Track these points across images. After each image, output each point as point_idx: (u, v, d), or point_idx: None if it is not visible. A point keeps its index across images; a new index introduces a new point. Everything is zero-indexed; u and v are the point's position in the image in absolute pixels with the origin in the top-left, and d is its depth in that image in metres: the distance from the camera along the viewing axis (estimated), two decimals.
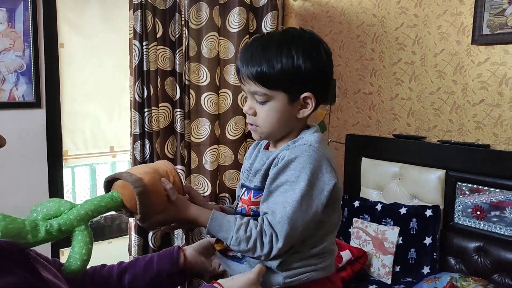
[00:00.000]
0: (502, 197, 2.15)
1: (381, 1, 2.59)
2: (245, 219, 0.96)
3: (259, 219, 0.94)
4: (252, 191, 1.00)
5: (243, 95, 2.73)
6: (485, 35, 2.18)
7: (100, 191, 3.16)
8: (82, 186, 2.80)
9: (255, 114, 0.98)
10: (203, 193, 2.70)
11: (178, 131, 2.54)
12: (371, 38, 2.65)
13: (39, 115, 2.26)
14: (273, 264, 0.96)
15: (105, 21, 2.48)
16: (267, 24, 2.80)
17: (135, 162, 2.42)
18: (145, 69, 2.36)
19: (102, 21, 2.47)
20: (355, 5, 2.72)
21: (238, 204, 1.06)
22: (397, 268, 2.31)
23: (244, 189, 1.05)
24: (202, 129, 2.67)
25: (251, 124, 1.00)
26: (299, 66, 0.92)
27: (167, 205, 0.96)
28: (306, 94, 0.95)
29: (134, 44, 2.33)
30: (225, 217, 0.96)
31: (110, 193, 0.94)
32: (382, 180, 2.55)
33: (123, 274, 1.04)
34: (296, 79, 0.94)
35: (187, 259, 1.10)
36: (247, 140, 2.91)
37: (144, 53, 2.34)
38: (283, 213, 0.90)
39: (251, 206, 1.00)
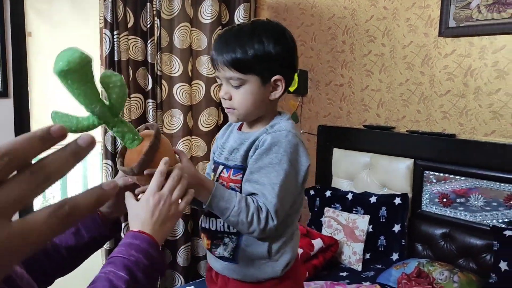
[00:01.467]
0: (467, 185, 2.22)
1: None
2: (243, 194, 1.02)
3: (251, 197, 1.02)
4: (232, 169, 1.07)
5: (216, 86, 2.73)
6: (451, 27, 2.24)
7: (70, 184, 3.11)
8: None
9: (230, 98, 1.05)
10: None
11: (150, 122, 2.52)
12: (342, 31, 2.68)
13: (6, 105, 2.20)
14: (265, 250, 1.06)
15: (74, 9, 2.44)
16: (240, 16, 2.81)
17: (106, 154, 2.39)
18: (116, 59, 2.34)
19: (72, 9, 2.43)
20: None
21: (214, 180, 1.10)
22: (367, 255, 2.36)
23: (221, 167, 1.11)
24: (175, 120, 2.66)
25: (228, 108, 1.07)
26: (270, 51, 1.02)
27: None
28: (276, 76, 1.05)
29: (105, 34, 2.31)
30: (226, 189, 1.02)
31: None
32: (353, 170, 2.60)
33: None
34: (267, 63, 1.03)
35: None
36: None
37: (115, 42, 2.32)
38: (272, 194, 0.99)
39: (230, 184, 1.07)
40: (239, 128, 1.16)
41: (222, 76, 1.05)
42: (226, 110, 1.08)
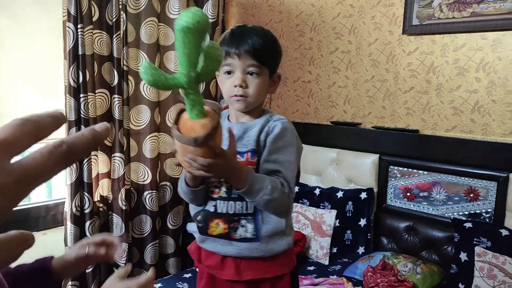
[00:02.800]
0: (430, 179, 2.29)
1: None
2: (271, 177, 1.13)
3: (273, 175, 1.14)
4: (249, 153, 1.16)
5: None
6: (414, 25, 2.30)
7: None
8: None
9: (247, 87, 1.16)
10: (143, 181, 2.65)
11: (117, 118, 2.48)
12: (310, 28, 2.71)
13: None
14: (283, 225, 1.18)
15: (35, 1, 2.36)
16: (208, 12, 2.79)
17: None
18: (80, 53, 2.28)
19: (32, 1, 2.35)
20: None
21: None
22: (334, 250, 2.39)
23: None
24: (142, 116, 2.62)
25: (240, 95, 1.16)
26: (278, 49, 1.22)
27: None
28: (277, 73, 1.23)
29: (68, 27, 2.25)
30: (260, 176, 1.12)
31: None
32: (321, 166, 2.63)
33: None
34: (275, 59, 1.21)
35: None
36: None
37: (79, 36, 2.26)
38: (289, 170, 1.16)
39: (248, 166, 1.15)
40: (229, 119, 1.26)
41: (240, 64, 1.14)
42: (235, 98, 1.16)
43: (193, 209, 1.24)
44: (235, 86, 1.15)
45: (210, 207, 1.19)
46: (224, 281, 1.21)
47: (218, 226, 1.17)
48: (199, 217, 1.21)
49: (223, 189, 1.17)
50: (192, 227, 1.27)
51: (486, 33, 2.10)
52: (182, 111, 0.93)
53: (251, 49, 1.13)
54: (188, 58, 0.79)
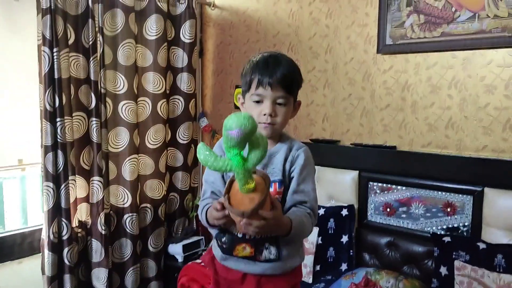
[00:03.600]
0: (408, 194, 2.33)
1: (295, 11, 2.71)
2: (301, 210, 1.24)
3: (301, 206, 1.25)
4: (277, 183, 1.25)
5: (163, 103, 2.69)
6: (388, 45, 2.36)
7: (8, 208, 2.94)
8: None
9: (276, 116, 1.25)
10: (123, 204, 2.62)
11: (95, 141, 2.44)
12: (287, 47, 2.75)
13: None
14: (300, 245, 1.35)
15: (8, 24, 2.33)
16: (186, 32, 2.81)
17: (47, 176, 2.28)
18: (56, 76, 2.25)
19: (6, 25, 2.32)
20: (270, 14, 2.81)
21: None
22: (317, 267, 2.39)
23: None
24: (120, 139, 2.60)
25: (268, 123, 1.25)
26: (301, 78, 1.31)
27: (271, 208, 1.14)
28: (298, 101, 1.32)
29: (44, 51, 2.22)
30: (297, 218, 1.21)
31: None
32: None
33: None
34: (298, 88, 1.30)
35: None
36: (168, 148, 2.88)
37: (55, 60, 2.24)
38: (313, 198, 1.28)
39: (276, 196, 1.25)
40: None
41: (271, 95, 1.23)
42: (263, 126, 1.25)
43: (215, 230, 1.34)
44: (264, 114, 1.24)
45: (237, 232, 1.27)
46: None
47: (245, 250, 1.28)
48: (224, 239, 1.30)
49: None
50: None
51: (456, 52, 2.18)
52: (233, 180, 1.09)
53: (282, 81, 1.22)
54: (239, 148, 1.01)
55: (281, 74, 1.23)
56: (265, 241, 1.27)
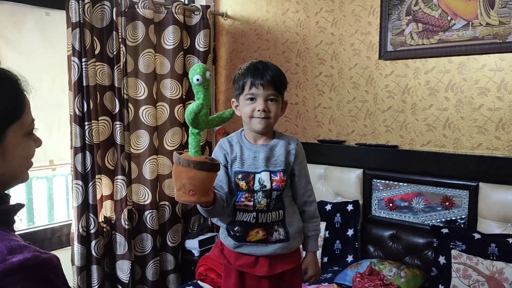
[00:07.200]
0: (409, 190, 2.50)
1: (302, 21, 2.90)
2: (313, 222, 1.63)
3: (311, 202, 1.62)
4: (281, 172, 1.49)
5: (179, 107, 2.88)
6: (389, 51, 2.54)
7: (37, 206, 3.15)
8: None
9: (269, 111, 1.45)
10: (144, 202, 2.82)
11: (118, 143, 2.65)
12: (295, 54, 2.94)
13: None
14: (301, 226, 1.60)
15: (42, 38, 2.55)
16: (200, 41, 3.01)
17: (76, 174, 2.50)
18: (84, 84, 2.46)
19: (40, 38, 2.54)
20: (279, 24, 3.01)
21: (265, 184, 1.49)
22: (325, 259, 2.57)
23: (265, 173, 1.48)
24: (141, 141, 2.80)
25: (264, 118, 1.45)
26: (286, 81, 1.55)
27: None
28: (285, 100, 1.55)
29: (73, 61, 2.43)
30: (313, 237, 1.63)
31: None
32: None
33: None
34: (285, 88, 1.54)
35: None
36: (185, 150, 3.07)
37: (83, 69, 2.45)
38: (313, 191, 1.64)
39: (282, 183, 1.48)
40: (250, 142, 1.57)
41: (263, 93, 1.44)
42: (259, 120, 1.45)
43: (226, 222, 1.54)
44: (258, 110, 1.44)
45: (250, 219, 1.49)
46: (253, 276, 1.53)
47: (258, 234, 1.49)
48: (236, 228, 1.50)
49: (263, 203, 1.48)
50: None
51: (452, 58, 2.35)
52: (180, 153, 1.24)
53: (272, 80, 1.45)
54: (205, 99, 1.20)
55: (270, 76, 1.45)
56: (274, 223, 1.51)
